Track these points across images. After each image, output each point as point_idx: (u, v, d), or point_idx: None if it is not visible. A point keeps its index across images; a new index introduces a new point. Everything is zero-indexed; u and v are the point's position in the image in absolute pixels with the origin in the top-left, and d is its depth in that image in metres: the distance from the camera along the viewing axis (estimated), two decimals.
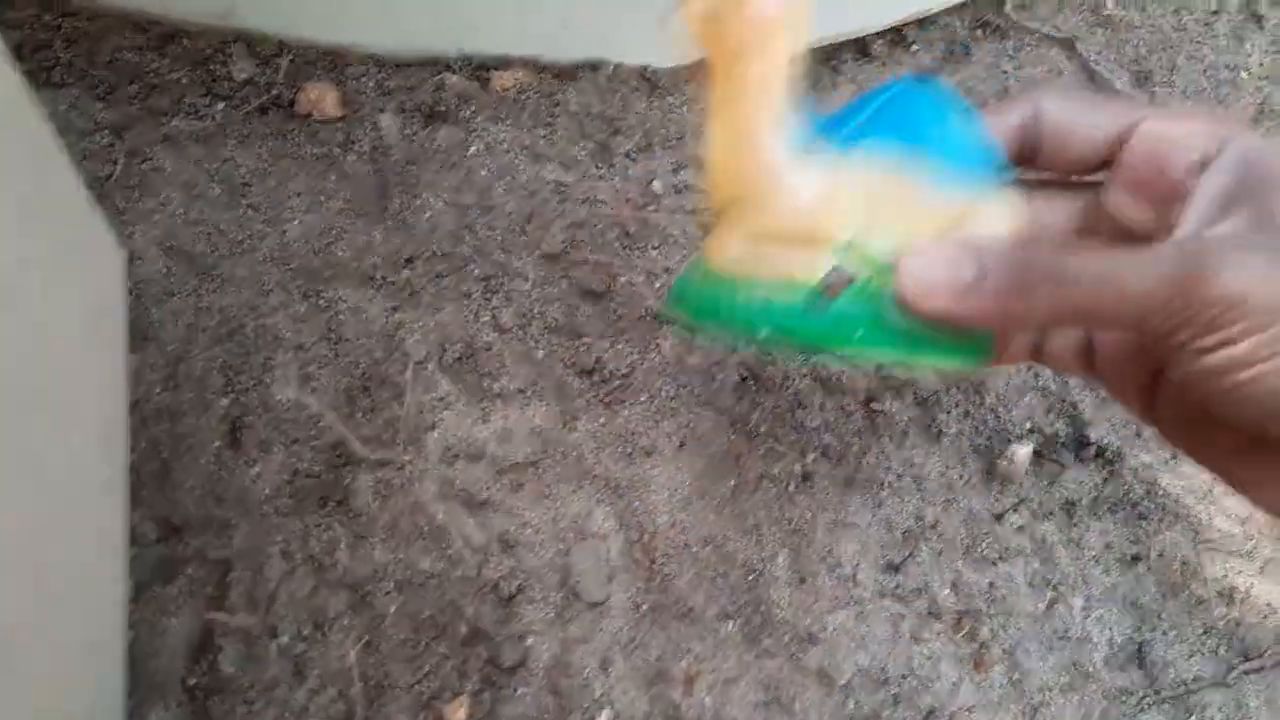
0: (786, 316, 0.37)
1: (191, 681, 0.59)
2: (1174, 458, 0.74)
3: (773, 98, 0.38)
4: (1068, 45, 0.85)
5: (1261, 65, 0.88)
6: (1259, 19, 0.89)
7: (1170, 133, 0.35)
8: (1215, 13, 0.89)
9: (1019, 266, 0.32)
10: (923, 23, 0.84)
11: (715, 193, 0.40)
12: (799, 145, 0.38)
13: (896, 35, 0.84)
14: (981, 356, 0.39)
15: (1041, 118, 0.37)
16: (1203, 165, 0.34)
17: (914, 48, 0.84)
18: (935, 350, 0.39)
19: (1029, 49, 0.85)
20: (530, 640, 0.62)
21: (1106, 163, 0.36)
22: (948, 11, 0.84)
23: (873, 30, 0.82)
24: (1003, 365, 0.45)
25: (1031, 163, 0.38)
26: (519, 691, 0.62)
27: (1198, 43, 0.87)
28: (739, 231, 0.38)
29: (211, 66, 0.72)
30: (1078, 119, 0.37)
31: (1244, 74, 0.87)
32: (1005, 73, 0.84)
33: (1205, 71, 0.87)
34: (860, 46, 0.82)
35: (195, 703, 0.59)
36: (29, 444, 0.46)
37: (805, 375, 0.71)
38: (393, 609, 0.62)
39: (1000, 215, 0.36)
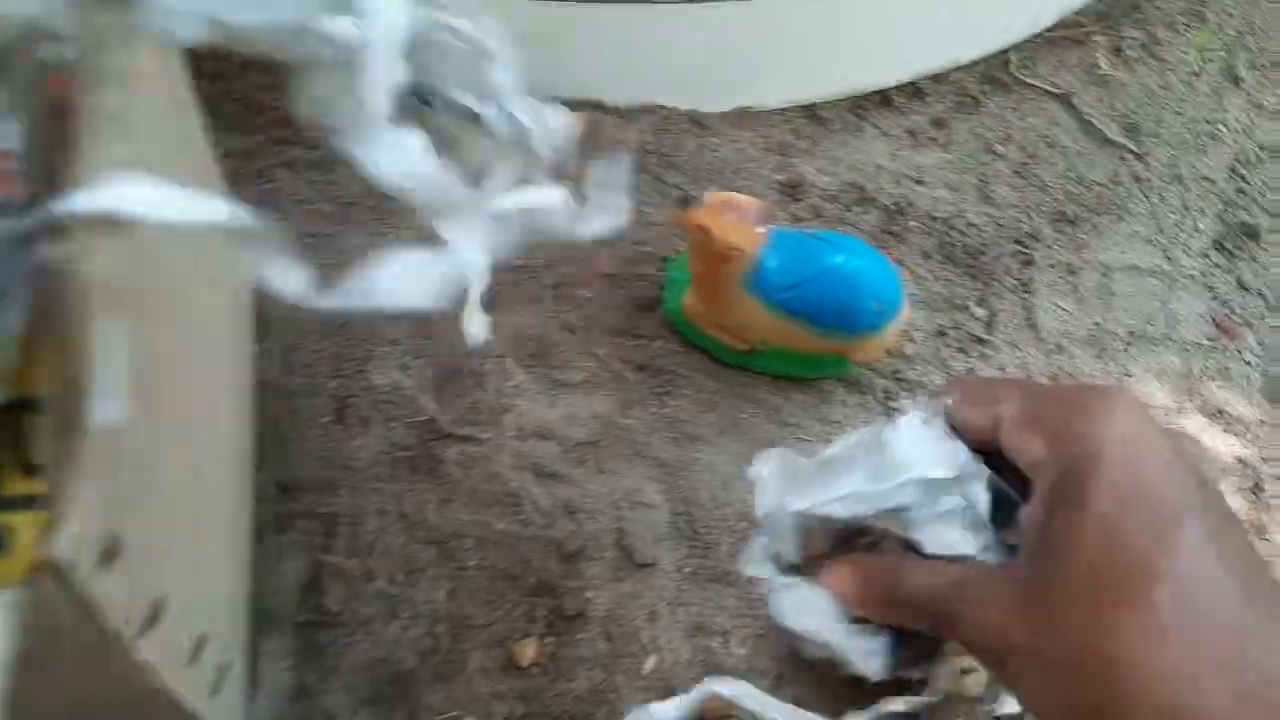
0: (726, 355, 0.76)
1: (301, 617, 0.69)
2: None
3: (735, 268, 0.69)
4: (1065, 100, 0.96)
5: (1238, 120, 0.99)
6: (1236, 79, 1.00)
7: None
8: (1196, 74, 1.00)
9: (879, 591, 0.50)
10: (937, 78, 0.95)
11: (695, 288, 0.75)
12: (748, 289, 0.71)
13: (914, 89, 0.95)
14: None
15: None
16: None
17: (929, 99, 0.95)
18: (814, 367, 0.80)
19: (1031, 102, 0.96)
20: (589, 593, 0.72)
21: None
22: (960, 69, 0.96)
23: (893, 84, 0.94)
24: None
25: None
26: (579, 636, 0.71)
27: (1181, 99, 0.99)
28: (704, 311, 0.76)
29: None
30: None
31: (1222, 128, 0.98)
32: (1009, 122, 0.95)
33: (1187, 125, 0.98)
34: (883, 97, 0.94)
35: (304, 635, 0.69)
36: (205, 412, 0.57)
37: (830, 378, 0.81)
38: (473, 562, 0.72)
39: None
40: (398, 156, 0.29)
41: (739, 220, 0.67)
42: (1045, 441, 0.42)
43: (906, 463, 0.52)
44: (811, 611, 0.54)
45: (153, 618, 0.46)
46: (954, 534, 0.50)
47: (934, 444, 0.52)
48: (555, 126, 0.31)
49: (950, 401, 0.51)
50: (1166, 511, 0.36)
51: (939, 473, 0.51)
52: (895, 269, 0.75)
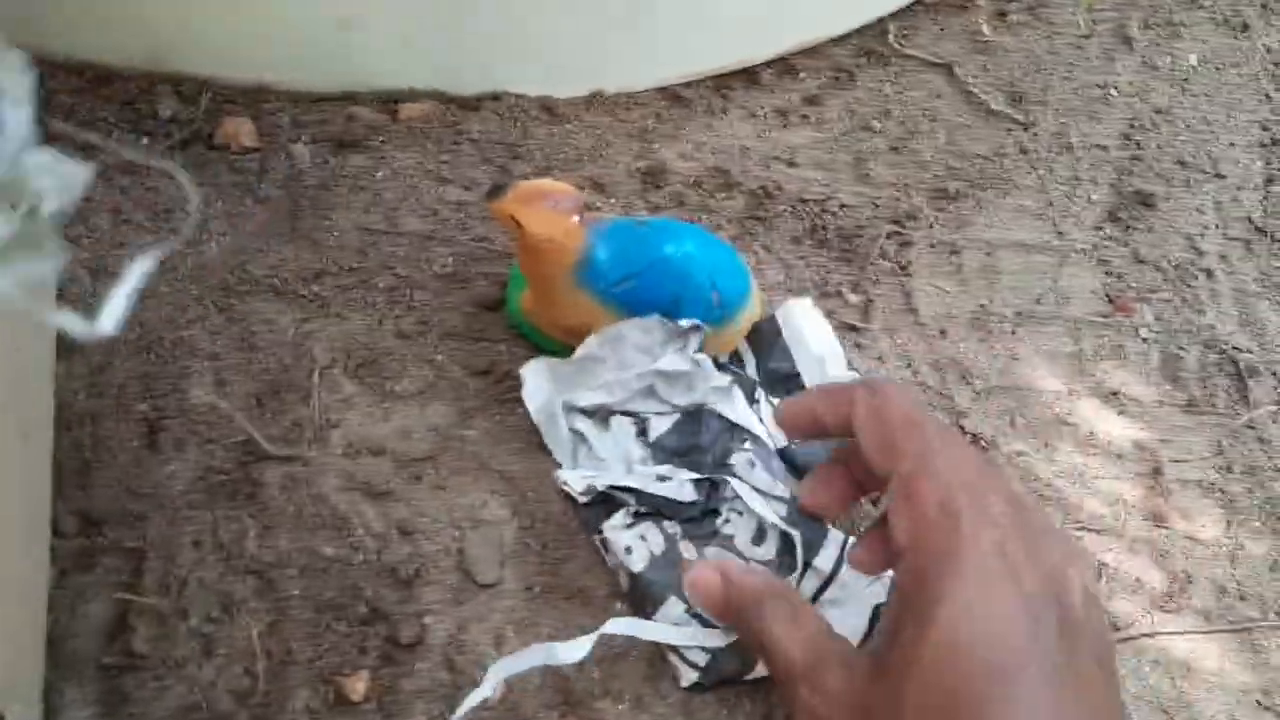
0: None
1: (106, 660, 0.64)
2: (1046, 445, 0.79)
3: (558, 263, 0.65)
4: (947, 70, 0.92)
5: (1131, 84, 0.94)
6: (1129, 40, 0.95)
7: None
8: (1086, 36, 0.95)
9: (740, 603, 0.53)
10: (809, 52, 0.90)
11: (528, 285, 0.70)
12: (576, 284, 0.66)
13: (784, 65, 0.90)
14: None
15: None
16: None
17: (801, 75, 0.90)
18: None
19: (910, 74, 0.91)
20: (428, 619, 0.67)
21: None
22: (833, 42, 0.91)
23: (760, 60, 0.88)
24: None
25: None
26: (417, 667, 0.66)
27: (1070, 64, 0.94)
28: (540, 310, 0.71)
29: (139, 105, 0.79)
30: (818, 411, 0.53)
31: (1113, 91, 0.93)
32: (887, 96, 0.90)
33: (1077, 90, 0.93)
34: (750, 75, 0.89)
35: (109, 680, 0.63)
36: None
37: None
38: (296, 592, 0.66)
39: None
40: None
41: (553, 210, 0.62)
42: (911, 526, 0.40)
43: (643, 352, 0.68)
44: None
45: None
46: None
47: (664, 337, 0.68)
48: (68, 180, 0.26)
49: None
50: (1006, 660, 0.34)
51: (675, 366, 0.67)
52: (737, 253, 0.70)
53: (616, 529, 0.68)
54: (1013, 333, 0.82)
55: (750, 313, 0.70)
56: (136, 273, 0.26)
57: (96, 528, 0.67)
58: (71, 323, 0.26)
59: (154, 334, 0.72)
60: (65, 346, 0.71)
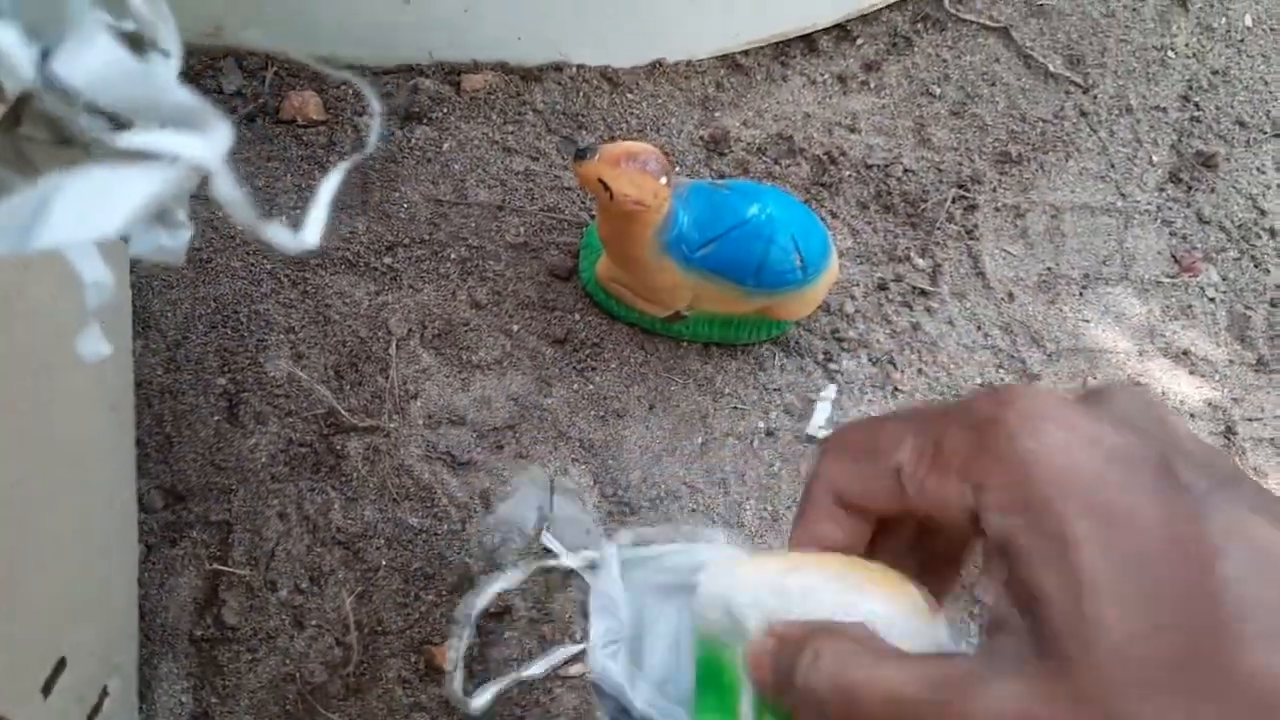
0: (651, 323, 0.73)
1: (198, 633, 0.63)
2: None
3: (643, 226, 0.64)
4: (1004, 34, 0.91)
5: (1187, 45, 0.93)
6: (1184, 2, 0.95)
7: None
8: None
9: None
10: (866, 18, 0.90)
11: (607, 252, 0.69)
12: (660, 249, 0.65)
13: (842, 31, 0.89)
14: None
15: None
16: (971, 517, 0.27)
17: (859, 42, 0.89)
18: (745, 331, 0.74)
19: (967, 38, 0.91)
20: (515, 588, 0.67)
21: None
22: (889, 7, 0.90)
23: (819, 27, 0.88)
24: None
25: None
26: (505, 635, 0.66)
27: (1126, 26, 0.93)
28: (620, 276, 0.70)
29: (203, 81, 0.78)
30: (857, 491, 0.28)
31: (1170, 53, 0.93)
32: (945, 61, 0.89)
33: (1134, 53, 0.92)
34: (808, 42, 0.88)
35: (202, 653, 0.63)
36: (40, 416, 0.51)
37: (765, 343, 0.76)
38: (384, 562, 0.66)
39: None
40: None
41: (640, 172, 0.61)
42: (959, 484, 0.26)
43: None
44: None
45: None
46: None
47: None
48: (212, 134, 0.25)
49: (830, 465, 0.29)
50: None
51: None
52: (817, 216, 0.70)
53: None
54: (1081, 294, 0.82)
55: (830, 273, 0.70)
56: (329, 187, 0.26)
57: (182, 502, 0.66)
58: (279, 235, 0.25)
59: (229, 308, 0.72)
60: (141, 323, 0.70)
